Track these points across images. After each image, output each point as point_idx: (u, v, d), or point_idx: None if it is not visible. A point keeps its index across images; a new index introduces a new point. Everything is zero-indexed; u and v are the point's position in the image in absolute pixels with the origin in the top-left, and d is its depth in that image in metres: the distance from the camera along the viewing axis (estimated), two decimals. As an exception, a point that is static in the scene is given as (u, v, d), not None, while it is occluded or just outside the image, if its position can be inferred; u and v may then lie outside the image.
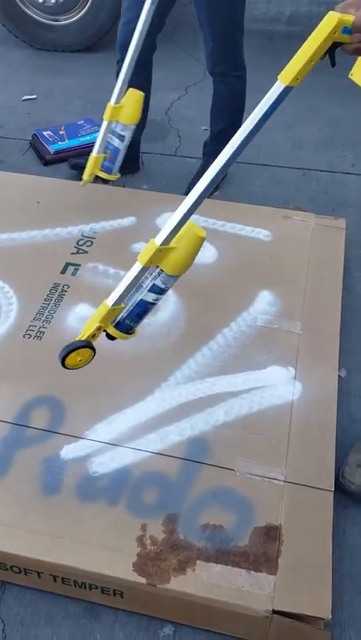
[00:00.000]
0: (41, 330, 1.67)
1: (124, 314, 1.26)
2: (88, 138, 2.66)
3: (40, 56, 3.58)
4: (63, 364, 1.23)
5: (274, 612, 1.10)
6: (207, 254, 1.97)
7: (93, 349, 1.25)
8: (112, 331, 1.28)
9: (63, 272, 1.86)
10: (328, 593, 1.14)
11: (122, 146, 1.98)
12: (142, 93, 1.92)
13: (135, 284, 1.28)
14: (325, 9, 4.33)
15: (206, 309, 1.76)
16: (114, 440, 1.38)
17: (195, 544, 1.20)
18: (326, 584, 1.15)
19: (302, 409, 1.47)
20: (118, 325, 1.28)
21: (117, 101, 1.92)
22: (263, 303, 1.79)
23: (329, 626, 1.15)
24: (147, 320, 1.69)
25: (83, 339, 1.23)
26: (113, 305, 1.25)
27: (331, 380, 1.56)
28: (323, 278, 1.87)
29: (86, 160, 2.07)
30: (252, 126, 1.15)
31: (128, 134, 1.96)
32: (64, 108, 3.07)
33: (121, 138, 1.96)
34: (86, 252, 1.95)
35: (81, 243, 1.98)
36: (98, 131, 2.66)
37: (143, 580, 1.14)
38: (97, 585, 1.17)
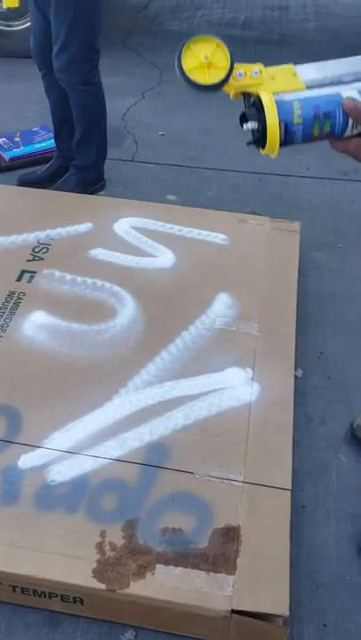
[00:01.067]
0: (-3, 339, 1.65)
1: None
2: (44, 144, 2.65)
3: (-6, 62, 3.56)
4: None
5: (233, 611, 1.11)
6: (165, 259, 1.99)
7: None
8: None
9: (19, 280, 1.85)
10: (286, 590, 1.16)
11: None
12: None
13: None
14: (279, 14, 4.42)
15: (165, 313, 1.77)
16: (72, 448, 1.38)
17: (154, 548, 1.20)
18: (284, 581, 1.17)
19: (260, 410, 1.49)
20: None
21: None
22: (221, 306, 1.80)
23: (288, 623, 1.17)
24: (104, 325, 1.72)
25: None
26: None
27: (287, 381, 1.58)
28: (278, 280, 1.90)
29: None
30: None
31: None
32: (19, 114, 3.05)
33: None
34: (42, 258, 1.94)
35: (37, 250, 1.97)
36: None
37: (103, 586, 1.14)
38: (57, 593, 1.17)
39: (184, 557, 1.19)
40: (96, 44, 2.14)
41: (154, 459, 1.37)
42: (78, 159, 2.36)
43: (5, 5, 1.75)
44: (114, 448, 1.39)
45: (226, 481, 1.33)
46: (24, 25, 3.58)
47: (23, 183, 2.46)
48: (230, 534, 1.23)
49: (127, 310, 1.78)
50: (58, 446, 1.38)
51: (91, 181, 2.41)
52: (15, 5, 1.75)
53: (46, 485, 1.30)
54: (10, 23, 3.55)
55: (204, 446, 1.40)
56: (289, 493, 1.32)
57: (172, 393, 1.53)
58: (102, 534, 1.21)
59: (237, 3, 4.44)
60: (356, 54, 0.94)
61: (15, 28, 3.58)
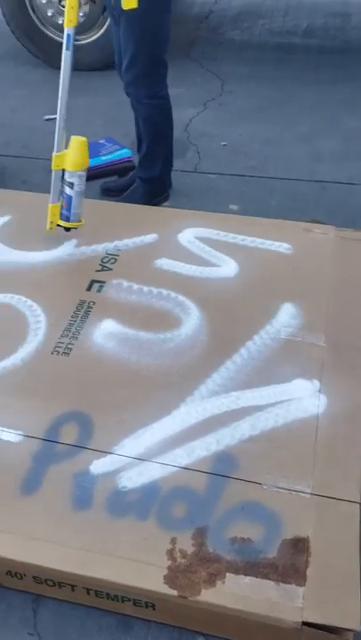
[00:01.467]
0: (68, 346, 1.71)
1: (62, 209, 1.99)
2: (110, 157, 2.72)
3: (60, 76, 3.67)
4: None
5: (303, 623, 1.12)
6: (228, 268, 2.01)
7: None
8: (60, 222, 2.02)
9: (89, 289, 1.91)
10: (357, 603, 1.15)
11: (73, 193, 1.96)
12: (85, 139, 1.95)
13: (58, 185, 1.97)
14: (341, 21, 4.38)
15: (229, 323, 1.79)
16: (141, 455, 1.41)
17: (224, 557, 1.22)
18: (355, 595, 1.16)
19: (328, 422, 1.49)
20: (61, 216, 2.01)
21: (59, 150, 1.95)
22: (286, 316, 1.81)
23: (358, 636, 1.16)
24: (170, 334, 1.75)
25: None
26: (51, 203, 1.99)
27: (356, 394, 1.57)
28: (345, 290, 1.89)
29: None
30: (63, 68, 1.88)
31: (76, 180, 1.95)
32: (85, 127, 3.12)
33: (70, 185, 1.95)
34: (111, 269, 1.99)
35: (105, 260, 2.03)
36: (120, 149, 2.75)
37: (174, 593, 1.16)
38: (129, 597, 1.20)
39: (254, 567, 1.20)
40: (163, 58, 2.19)
41: (221, 468, 1.38)
42: (144, 172, 2.42)
43: (125, 7, 1.82)
44: (182, 456, 1.41)
45: (294, 492, 1.33)
46: (89, 39, 3.70)
47: (105, 190, 2.57)
48: (300, 545, 1.24)
49: (192, 319, 1.81)
50: (128, 453, 1.42)
51: (156, 193, 2.46)
52: (133, 7, 1.84)
53: (117, 491, 1.34)
54: (76, 37, 3.66)
55: (271, 457, 1.41)
56: (358, 506, 1.31)
57: (238, 403, 1.54)
58: (173, 541, 1.24)
59: (299, 11, 4.43)
60: None
61: (81, 42, 3.69)
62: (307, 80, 3.57)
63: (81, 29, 3.62)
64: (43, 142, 3.01)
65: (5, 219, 2.21)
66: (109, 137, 2.87)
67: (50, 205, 2.01)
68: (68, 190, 1.96)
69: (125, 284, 1.93)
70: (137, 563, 1.21)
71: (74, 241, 2.11)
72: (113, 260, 2.03)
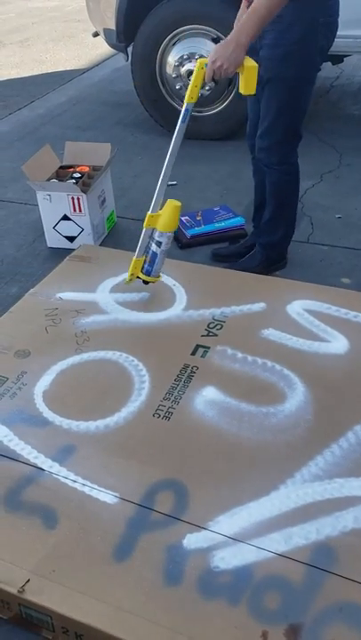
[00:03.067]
0: (170, 410, 1.71)
1: (145, 264, 2.13)
2: (223, 224, 2.77)
3: (182, 144, 3.83)
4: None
5: None
6: (339, 345, 1.95)
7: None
8: (141, 275, 2.15)
9: (193, 353, 1.92)
10: None
11: (159, 251, 2.09)
12: (179, 204, 2.05)
13: (146, 242, 2.11)
14: None
15: (337, 403, 1.72)
16: (236, 535, 1.36)
17: (318, 662, 1.13)
18: None
19: None
20: (143, 270, 2.13)
21: (154, 210, 2.06)
22: None
23: None
24: (273, 409, 1.71)
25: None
26: (136, 257, 2.13)
27: None
28: None
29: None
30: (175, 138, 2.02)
31: (165, 240, 2.07)
32: (201, 193, 3.24)
33: (158, 244, 2.08)
34: (216, 334, 2.00)
35: (212, 325, 2.04)
36: (233, 217, 2.80)
37: None
38: None
39: None
40: (300, 130, 2.23)
41: (321, 561, 1.30)
42: (265, 237, 2.44)
43: (244, 93, 1.89)
44: (279, 542, 1.35)
45: None
46: (212, 111, 3.87)
47: (216, 256, 2.63)
48: None
49: (297, 395, 1.76)
50: (223, 531, 1.37)
51: (274, 260, 2.47)
52: (251, 94, 1.91)
53: (210, 571, 1.29)
54: (200, 109, 3.85)
55: (375, 556, 1.31)
56: None
57: (342, 491, 1.46)
58: (264, 635, 1.17)
59: None
60: None
61: (204, 114, 3.87)
62: None
63: (205, 102, 3.80)
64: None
65: (120, 278, 2.29)
66: (224, 205, 2.94)
67: (134, 259, 2.14)
68: (154, 248, 2.09)
69: (230, 351, 1.92)
70: (225, 653, 1.15)
71: (183, 304, 2.15)
72: (219, 326, 2.04)
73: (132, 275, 2.17)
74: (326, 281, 2.39)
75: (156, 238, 2.08)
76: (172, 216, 2.05)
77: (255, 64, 1.86)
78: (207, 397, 1.76)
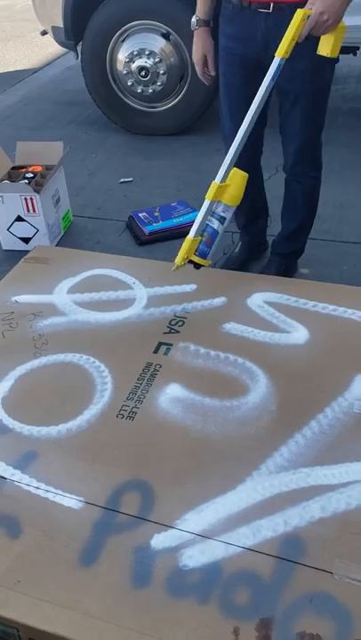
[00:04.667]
0: (134, 410, 1.69)
1: (201, 244, 1.87)
2: (181, 219, 2.77)
3: (137, 140, 3.81)
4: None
5: None
6: (299, 335, 1.95)
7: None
8: (195, 258, 1.89)
9: (156, 351, 1.90)
10: None
11: (221, 229, 1.88)
12: (246, 174, 1.86)
13: (207, 217, 1.83)
14: None
15: (299, 393, 1.72)
16: (204, 532, 1.35)
17: (290, 654, 1.12)
18: None
19: None
20: (198, 251, 1.87)
21: (223, 180, 1.85)
22: (360, 388, 1.72)
23: None
24: (236, 402, 1.70)
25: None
26: (193, 237, 1.86)
27: None
28: None
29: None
30: (260, 98, 1.77)
31: (229, 216, 1.87)
32: (158, 189, 3.23)
33: (221, 220, 1.86)
34: (178, 331, 1.98)
35: (173, 322, 2.02)
36: (191, 212, 2.79)
37: None
38: None
39: (323, 670, 1.10)
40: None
41: (289, 552, 1.30)
42: (291, 246, 2.40)
43: (330, 56, 1.79)
44: (247, 536, 1.34)
45: (368, 586, 1.23)
46: (166, 106, 3.85)
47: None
48: (374, 649, 1.12)
49: (260, 387, 1.75)
50: (190, 528, 1.36)
51: (290, 267, 2.44)
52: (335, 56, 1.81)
53: (178, 570, 1.27)
54: (154, 105, 3.83)
55: (343, 543, 1.31)
56: None
57: (308, 481, 1.46)
58: (235, 631, 1.16)
59: (372, 76, 4.47)
60: None
61: (158, 109, 3.85)
62: (380, 144, 3.55)
63: (158, 98, 3.78)
64: (116, 204, 3.12)
65: (77, 279, 2.26)
66: (181, 200, 2.93)
67: (190, 239, 1.89)
68: (216, 225, 1.87)
69: (192, 347, 1.91)
70: (197, 653, 1.13)
71: (143, 302, 2.13)
72: (181, 323, 2.02)
73: (185, 258, 1.92)
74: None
75: (220, 213, 1.85)
76: (240, 187, 1.84)
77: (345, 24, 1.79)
78: (171, 395, 1.74)
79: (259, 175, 2.41)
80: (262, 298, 2.14)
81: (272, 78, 1.79)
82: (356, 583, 1.24)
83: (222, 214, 1.87)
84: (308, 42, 1.84)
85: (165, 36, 3.64)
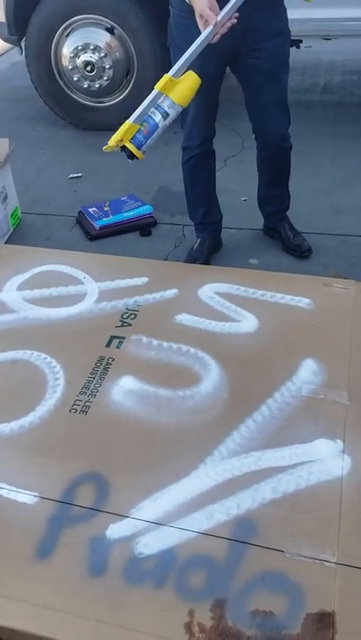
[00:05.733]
0: (87, 404, 1.69)
1: (138, 133, 1.82)
2: (132, 213, 2.77)
3: (85, 136, 3.79)
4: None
5: None
6: (249, 324, 1.99)
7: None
8: (129, 144, 1.83)
9: (108, 345, 1.90)
10: None
11: (162, 124, 1.84)
12: (199, 80, 1.85)
13: (151, 106, 1.82)
14: (358, 77, 4.47)
15: (250, 379, 1.76)
16: (159, 519, 1.37)
17: (244, 632, 1.15)
18: None
19: (353, 485, 1.43)
20: (133, 139, 1.82)
21: (177, 75, 1.83)
22: (307, 372, 1.77)
23: None
24: (189, 391, 1.73)
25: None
26: (132, 121, 1.82)
27: (381, 453, 1.51)
28: (367, 346, 1.85)
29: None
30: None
31: (173, 114, 1.85)
32: (108, 184, 3.22)
33: (164, 115, 1.83)
34: (130, 324, 1.99)
35: (125, 316, 2.03)
36: (142, 206, 2.80)
37: (192, 671, 1.10)
38: (145, 675, 1.14)
39: (276, 644, 1.13)
40: None
41: (242, 534, 1.33)
42: (287, 201, 2.61)
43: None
44: (201, 521, 1.37)
45: (318, 561, 1.27)
46: (113, 101, 3.83)
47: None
48: (325, 620, 1.17)
49: (212, 376, 1.78)
50: (145, 516, 1.38)
51: None
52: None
53: (134, 558, 1.29)
54: (101, 100, 3.81)
55: (293, 523, 1.35)
56: (386, 577, 1.25)
57: (259, 464, 1.50)
58: (191, 613, 1.18)
59: (316, 69, 4.55)
60: None
61: (105, 104, 3.83)
62: (326, 134, 3.63)
63: (105, 92, 3.76)
64: (66, 200, 3.10)
65: (27, 275, 2.24)
66: (131, 194, 2.93)
67: (129, 123, 1.84)
68: (158, 118, 1.83)
69: (145, 339, 1.92)
70: (155, 637, 1.15)
71: (95, 297, 2.13)
72: (133, 316, 2.03)
73: (119, 141, 1.86)
74: (235, 263, 2.45)
75: (165, 108, 1.82)
76: (191, 89, 1.82)
77: None
78: (124, 387, 1.75)
79: (213, 159, 2.46)
80: (213, 289, 2.17)
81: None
82: (307, 560, 1.28)
83: (167, 109, 1.84)
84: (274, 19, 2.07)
85: (110, 31, 3.63)
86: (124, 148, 1.86)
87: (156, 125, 1.84)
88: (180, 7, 2.02)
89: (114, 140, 1.85)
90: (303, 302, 2.06)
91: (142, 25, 3.56)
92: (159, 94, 1.82)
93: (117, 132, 1.84)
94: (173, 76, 1.82)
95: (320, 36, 3.87)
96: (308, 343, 1.88)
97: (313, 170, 3.10)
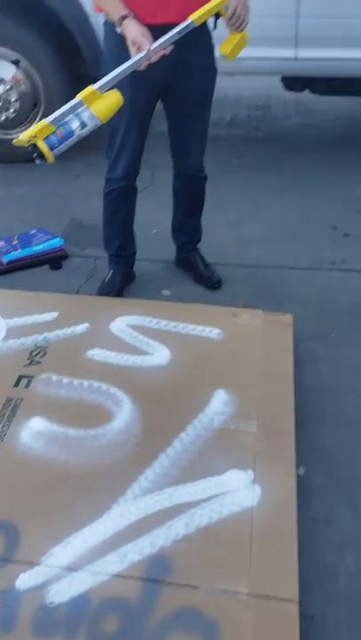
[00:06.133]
0: (-6, 448, 1.63)
1: (53, 135, 1.79)
2: (41, 247, 2.73)
3: (-6, 167, 3.73)
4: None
5: None
6: (161, 356, 2.01)
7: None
8: (41, 144, 1.78)
9: (16, 385, 1.86)
10: None
11: (78, 132, 1.83)
12: (122, 100, 1.86)
13: (70, 113, 1.80)
14: (263, 112, 4.68)
15: (162, 414, 1.77)
16: (71, 564, 1.34)
17: (159, 675, 1.14)
18: None
19: (263, 514, 1.46)
20: (47, 140, 1.78)
21: (102, 90, 1.83)
22: (219, 403, 1.80)
23: None
24: (101, 430, 1.71)
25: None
26: (49, 122, 1.78)
27: (289, 481, 1.56)
28: (274, 375, 1.91)
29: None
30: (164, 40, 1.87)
31: (90, 126, 1.84)
32: (18, 216, 3.17)
33: (82, 125, 1.83)
34: (40, 362, 1.96)
35: (34, 353, 1.99)
36: (52, 239, 2.77)
37: None
38: None
39: None
40: None
41: (156, 573, 1.32)
42: (200, 234, 2.68)
43: (230, 58, 2.06)
44: (114, 562, 1.35)
45: (231, 594, 1.29)
46: (21, 133, 3.80)
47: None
48: (238, 656, 1.18)
49: (124, 412, 1.78)
50: (57, 563, 1.34)
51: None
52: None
53: (45, 607, 1.25)
54: (8, 132, 3.76)
55: (206, 557, 1.36)
56: (296, 605, 1.27)
57: (172, 500, 1.50)
58: (103, 662, 1.16)
59: (222, 103, 4.72)
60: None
61: (14, 136, 3.78)
62: (232, 167, 3.76)
63: (12, 125, 3.73)
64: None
65: None
66: (40, 227, 2.90)
67: (45, 123, 1.80)
68: (75, 125, 1.83)
69: (55, 377, 1.89)
70: None
71: (2, 334, 2.08)
72: (42, 353, 2.00)
73: (32, 137, 1.80)
74: (148, 294, 2.46)
75: (84, 118, 1.82)
76: (113, 105, 1.84)
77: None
78: (34, 429, 1.71)
79: (134, 195, 2.49)
80: (126, 321, 2.17)
81: (178, 32, 1.89)
82: (220, 594, 1.29)
83: (85, 120, 1.84)
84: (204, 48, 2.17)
85: (15, 63, 3.61)
86: (35, 147, 1.81)
87: (72, 132, 1.83)
88: (113, 39, 2.03)
89: (27, 134, 1.81)
90: (214, 333, 2.11)
91: (48, 57, 3.57)
92: (80, 103, 1.82)
93: (31, 129, 1.81)
94: (98, 89, 1.82)
95: (225, 73, 4.03)
96: (219, 374, 1.92)
97: (222, 202, 3.20)
